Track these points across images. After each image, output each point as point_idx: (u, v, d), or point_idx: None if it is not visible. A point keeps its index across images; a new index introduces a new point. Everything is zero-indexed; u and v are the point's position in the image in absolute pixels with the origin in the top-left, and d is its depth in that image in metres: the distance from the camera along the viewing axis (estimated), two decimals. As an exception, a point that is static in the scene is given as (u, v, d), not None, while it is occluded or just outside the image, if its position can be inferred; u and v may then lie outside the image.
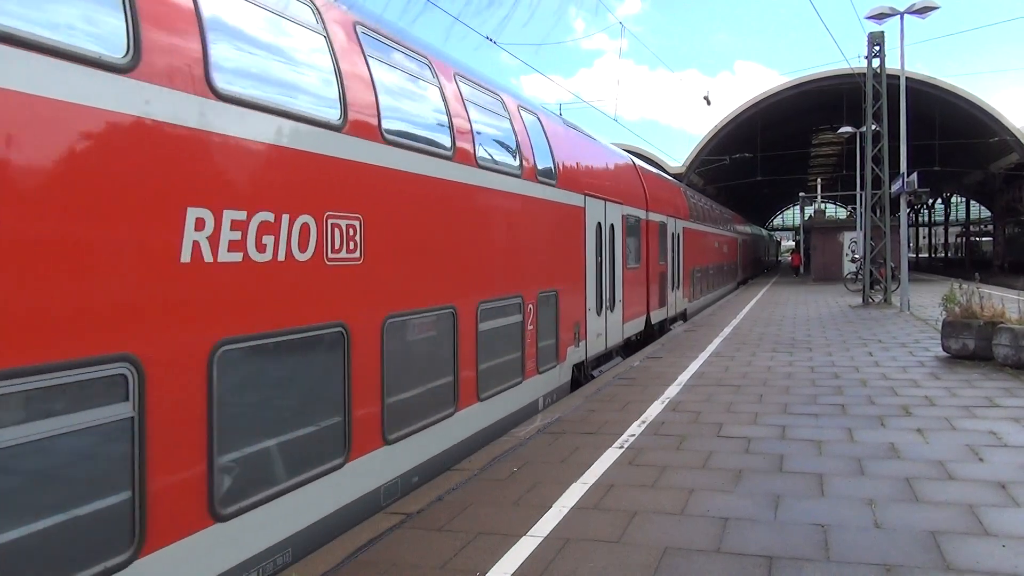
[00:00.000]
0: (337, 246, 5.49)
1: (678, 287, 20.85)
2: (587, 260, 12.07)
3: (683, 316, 21.87)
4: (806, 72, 45.88)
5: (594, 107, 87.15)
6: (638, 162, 18.15)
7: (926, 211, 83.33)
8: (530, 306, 9.53)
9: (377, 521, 5.73)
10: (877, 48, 25.32)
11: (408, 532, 5.46)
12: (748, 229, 51.37)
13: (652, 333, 17.61)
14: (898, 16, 21.69)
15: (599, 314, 12.79)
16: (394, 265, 6.35)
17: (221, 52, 4.61)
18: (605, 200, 13.03)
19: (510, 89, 10.24)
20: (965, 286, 13.53)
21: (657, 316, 18.02)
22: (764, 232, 74.97)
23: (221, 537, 4.45)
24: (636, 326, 15.88)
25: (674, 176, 34.00)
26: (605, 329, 13.19)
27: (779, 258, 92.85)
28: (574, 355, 11.53)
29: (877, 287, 26.37)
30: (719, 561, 4.75)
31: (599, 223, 12.70)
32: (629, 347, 15.52)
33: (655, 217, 17.61)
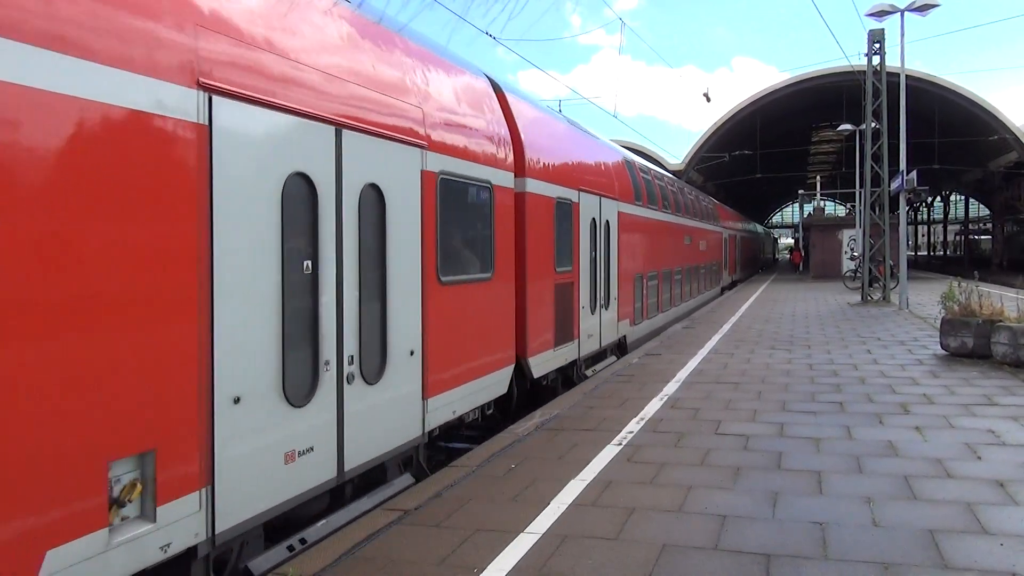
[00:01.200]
0: None
1: (608, 305, 13.46)
2: (215, 271, 4.65)
3: (621, 347, 14.71)
4: (806, 69, 45.79)
5: (593, 103, 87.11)
6: (512, 90, 10.21)
7: (925, 209, 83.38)
8: None
9: (375, 517, 5.72)
10: (877, 46, 25.29)
11: (406, 528, 5.46)
12: (739, 224, 43.86)
13: (540, 392, 10.57)
14: (898, 13, 21.67)
15: (305, 402, 5.39)
16: None
17: None
18: (339, 127, 5.81)
19: None
20: (964, 284, 13.53)
21: (551, 361, 10.55)
22: (759, 228, 69.09)
23: None
24: (485, 390, 8.49)
25: (673, 173, 33.39)
26: (336, 434, 5.74)
27: (776, 256, 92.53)
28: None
29: (876, 285, 26.38)
30: (717, 558, 4.75)
31: (306, 180, 5.49)
32: (473, 432, 9.03)
33: (543, 189, 10.29)
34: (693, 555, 4.81)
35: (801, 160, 72.98)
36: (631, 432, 8.00)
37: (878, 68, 25.40)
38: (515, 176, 9.41)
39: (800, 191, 61.20)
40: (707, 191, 41.46)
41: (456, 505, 5.90)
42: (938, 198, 77.92)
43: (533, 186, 10.02)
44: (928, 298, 23.38)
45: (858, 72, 27.79)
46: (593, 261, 12.57)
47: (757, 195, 77.53)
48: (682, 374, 11.55)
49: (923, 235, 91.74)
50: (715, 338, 15.99)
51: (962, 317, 12.62)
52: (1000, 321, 11.99)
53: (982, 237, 75.71)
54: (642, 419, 8.60)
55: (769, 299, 27.85)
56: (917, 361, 12.42)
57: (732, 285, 38.10)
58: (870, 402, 9.31)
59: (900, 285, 23.10)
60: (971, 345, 12.30)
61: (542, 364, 10.27)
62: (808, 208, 59.33)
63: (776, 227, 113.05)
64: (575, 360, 11.72)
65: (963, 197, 74.24)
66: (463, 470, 6.85)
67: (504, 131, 9.22)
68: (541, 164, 10.32)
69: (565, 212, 11.19)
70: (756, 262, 59.43)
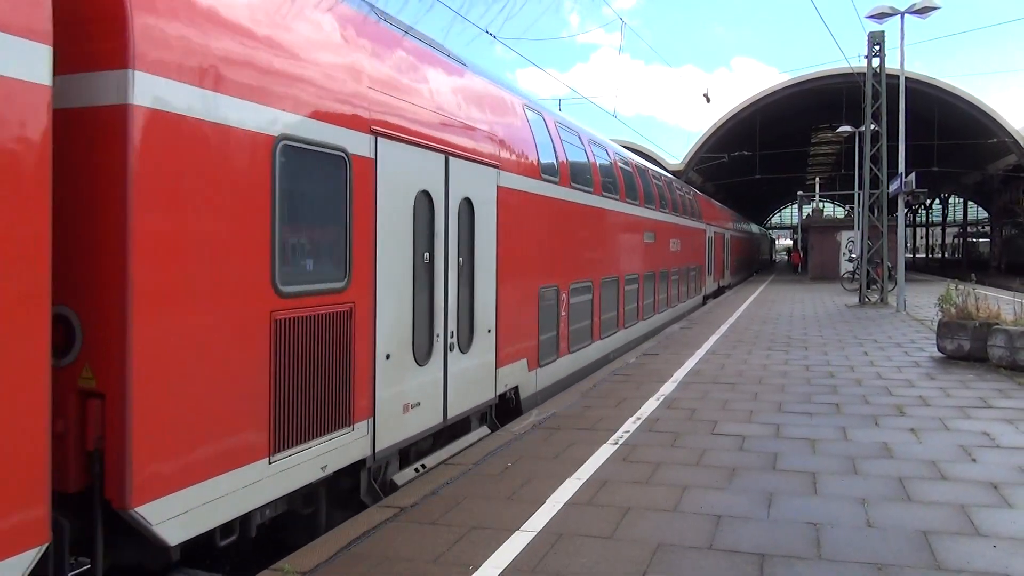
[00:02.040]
0: None
1: (469, 343, 8.10)
2: None
3: (506, 407, 9.30)
4: (805, 71, 45.76)
5: (593, 103, 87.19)
6: None
7: (924, 211, 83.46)
8: None
9: (371, 514, 5.74)
10: (877, 48, 25.32)
11: (401, 525, 5.47)
12: (729, 222, 38.29)
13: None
14: (898, 16, 21.69)
15: None
16: None
17: None
18: None
19: None
20: (962, 287, 13.56)
21: (258, 490, 4.95)
22: (755, 228, 64.03)
23: None
24: None
25: (673, 173, 33.07)
26: None
27: (774, 257, 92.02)
28: None
29: (874, 287, 26.42)
30: (711, 558, 4.76)
31: None
32: None
33: (216, 109, 4.66)
34: (688, 554, 4.82)
35: (800, 161, 73.02)
36: (627, 432, 8.02)
37: (878, 70, 25.42)
38: (57, 66, 3.82)
39: (799, 192, 61.19)
40: (706, 191, 41.27)
41: (452, 503, 5.92)
42: (937, 200, 77.99)
43: (163, 94, 4.32)
44: (926, 300, 23.41)
45: (858, 74, 27.80)
46: (428, 268, 7.20)
47: (756, 196, 77.58)
48: (679, 374, 11.56)
49: (921, 237, 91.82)
50: (713, 338, 16.01)
51: (959, 320, 12.64)
52: (997, 324, 12.01)
53: (980, 240, 75.78)
54: (639, 419, 8.62)
55: (767, 300, 27.88)
56: (913, 363, 12.45)
57: (719, 292, 32.83)
58: (866, 404, 9.33)
59: (898, 287, 23.13)
60: (967, 348, 12.33)
61: (215, 507, 4.66)
62: (807, 209, 59.38)
63: (775, 228, 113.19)
64: (362, 460, 6.19)
65: (962, 200, 74.30)
66: (459, 468, 6.86)
67: None
68: (221, 55, 4.76)
69: (321, 171, 5.79)
70: (751, 264, 54.21)
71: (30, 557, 3.55)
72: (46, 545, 3.68)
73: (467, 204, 8.04)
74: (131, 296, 4.13)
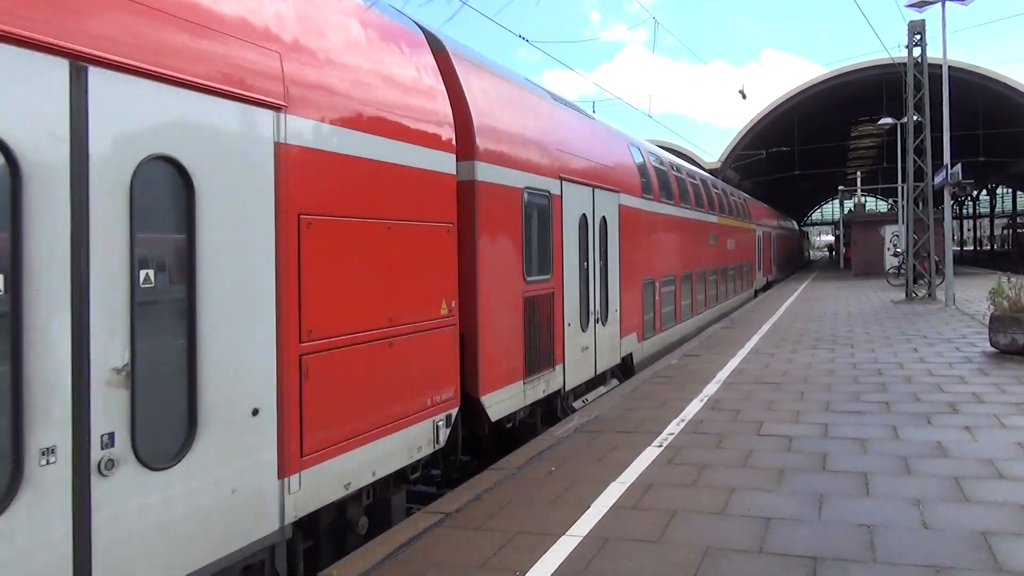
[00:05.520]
0: None
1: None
2: None
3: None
4: (839, 63, 45.39)
5: (625, 102, 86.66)
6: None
7: (971, 203, 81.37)
8: None
9: (416, 520, 5.76)
10: (918, 37, 24.77)
11: (446, 531, 5.48)
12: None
13: None
14: (939, 3, 21.20)
15: None
16: None
17: None
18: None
19: None
20: (1013, 279, 13.18)
21: None
22: (784, 221, 49.52)
23: None
24: None
25: (710, 171, 32.41)
26: None
27: (809, 255, 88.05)
28: None
29: (921, 281, 25.81)
30: (762, 561, 4.68)
31: None
32: None
33: None
34: (737, 558, 4.75)
35: (841, 156, 71.81)
36: (672, 434, 7.94)
37: (919, 60, 24.86)
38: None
39: (840, 187, 60.09)
40: (745, 189, 40.62)
41: (496, 508, 5.91)
42: (984, 191, 75.99)
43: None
44: (975, 294, 22.81)
45: (898, 65, 27.22)
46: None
47: (797, 192, 76.50)
48: (722, 374, 11.42)
49: (969, 230, 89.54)
50: (755, 338, 15.78)
51: (1012, 313, 12.28)
52: (1052, 317, 11.65)
53: (1031, 230, 73.61)
54: (683, 420, 8.53)
55: (809, 297, 27.42)
56: (965, 359, 12.12)
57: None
58: (917, 401, 9.10)
59: (946, 281, 22.57)
60: (1022, 342, 11.97)
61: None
62: (849, 204, 58.28)
63: (816, 224, 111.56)
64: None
65: (1010, 190, 72.27)
66: (502, 473, 6.86)
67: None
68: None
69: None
70: (747, 283, 28.54)
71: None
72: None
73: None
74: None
